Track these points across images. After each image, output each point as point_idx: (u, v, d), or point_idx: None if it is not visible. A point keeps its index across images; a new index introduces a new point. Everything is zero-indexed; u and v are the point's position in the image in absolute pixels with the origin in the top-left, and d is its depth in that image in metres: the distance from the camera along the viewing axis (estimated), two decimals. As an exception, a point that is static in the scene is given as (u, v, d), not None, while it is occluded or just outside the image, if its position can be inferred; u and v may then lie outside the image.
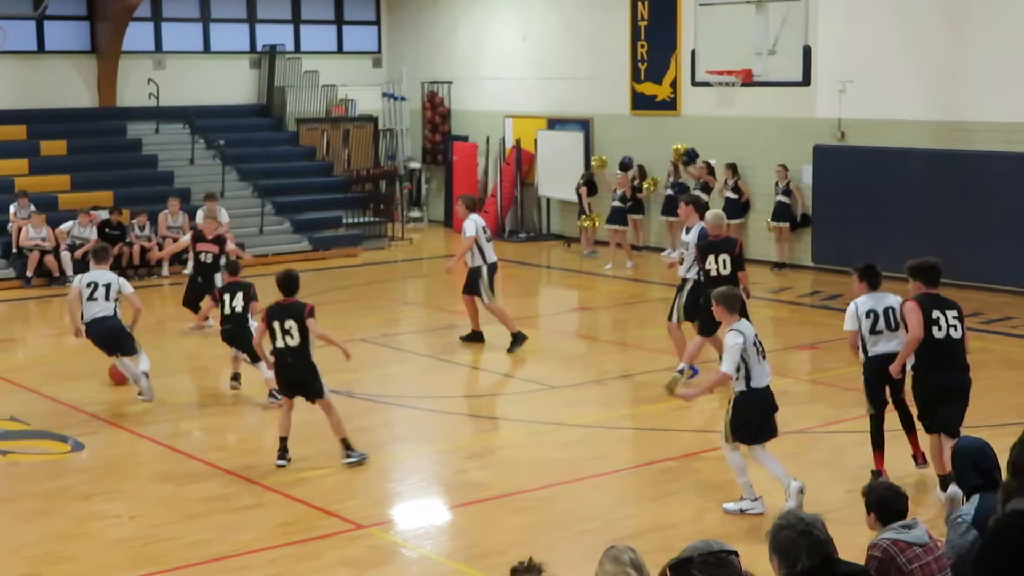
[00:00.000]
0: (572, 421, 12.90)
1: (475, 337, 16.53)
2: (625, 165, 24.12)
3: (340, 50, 31.14)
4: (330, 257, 24.81)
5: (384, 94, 30.54)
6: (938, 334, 10.07)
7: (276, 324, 11.25)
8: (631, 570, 5.56)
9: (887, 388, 10.74)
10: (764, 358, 10.01)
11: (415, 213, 29.60)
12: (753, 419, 9.98)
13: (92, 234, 22.76)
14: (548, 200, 27.07)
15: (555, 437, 12.45)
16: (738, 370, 9.88)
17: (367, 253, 25.26)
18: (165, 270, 23.30)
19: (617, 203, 23.48)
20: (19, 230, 22.67)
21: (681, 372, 13.83)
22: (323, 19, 31.03)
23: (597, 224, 24.14)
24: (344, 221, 26.48)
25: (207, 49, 29.29)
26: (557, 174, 26.15)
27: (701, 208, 14.48)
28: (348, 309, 19.55)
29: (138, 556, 9.32)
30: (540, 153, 26.84)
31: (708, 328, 13.52)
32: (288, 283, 11.50)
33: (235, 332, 13.89)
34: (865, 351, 10.72)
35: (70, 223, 22.82)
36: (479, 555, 9.37)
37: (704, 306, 12.90)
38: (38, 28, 27.43)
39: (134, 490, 10.95)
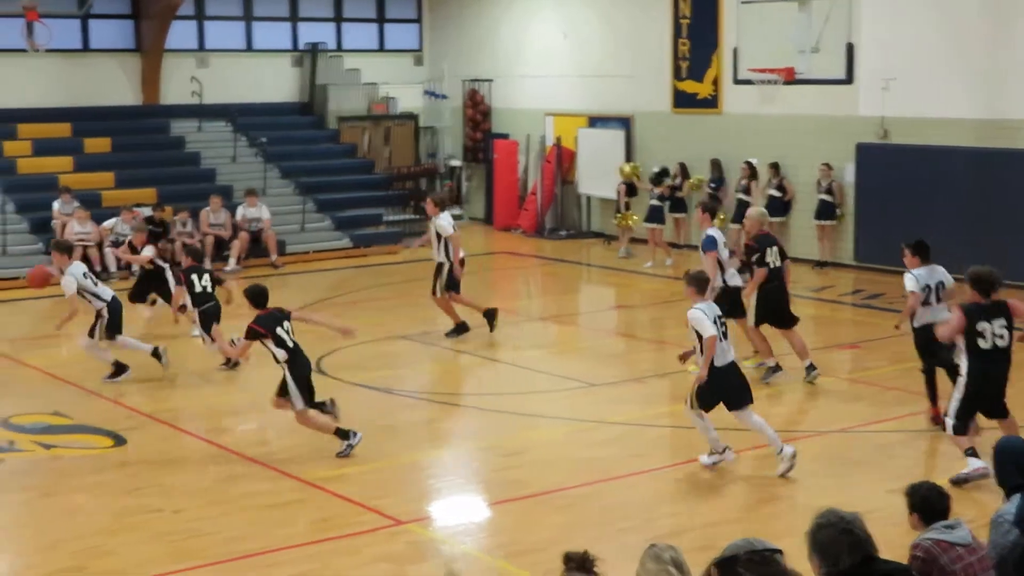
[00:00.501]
0: (611, 419, 12.88)
1: (489, 315, 16.87)
2: (658, 177, 23.89)
3: (381, 48, 31.21)
4: (371, 254, 24.87)
5: (425, 92, 30.59)
6: (984, 345, 10.39)
7: (280, 330, 11.49)
8: (672, 568, 5.54)
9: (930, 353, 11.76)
10: (725, 338, 10.85)
11: (455, 211, 29.59)
12: (713, 392, 10.82)
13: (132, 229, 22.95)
14: (588, 198, 27.03)
15: (594, 435, 12.43)
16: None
17: (407, 250, 25.29)
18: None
19: (655, 202, 23.40)
20: (63, 226, 22.86)
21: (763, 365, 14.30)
22: (365, 17, 31.11)
23: (631, 223, 23.98)
24: (385, 219, 26.54)
25: (250, 47, 29.44)
26: (598, 172, 26.09)
27: (713, 211, 15.21)
28: (388, 306, 19.60)
29: (179, 550, 9.38)
30: (581, 151, 26.81)
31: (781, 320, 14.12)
32: (263, 297, 11.73)
33: (218, 307, 14.92)
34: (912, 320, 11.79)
35: (114, 219, 22.99)
36: (518, 552, 9.37)
37: (774, 300, 13.93)
38: (83, 26, 27.65)
39: (176, 485, 11.01)
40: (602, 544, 9.23)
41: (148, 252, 16.97)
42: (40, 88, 26.56)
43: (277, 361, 11.53)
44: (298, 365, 11.52)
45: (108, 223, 22.98)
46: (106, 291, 14.62)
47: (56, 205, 23.31)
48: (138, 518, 10.17)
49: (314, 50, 29.44)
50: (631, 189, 24.55)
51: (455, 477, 11.50)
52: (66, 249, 15.19)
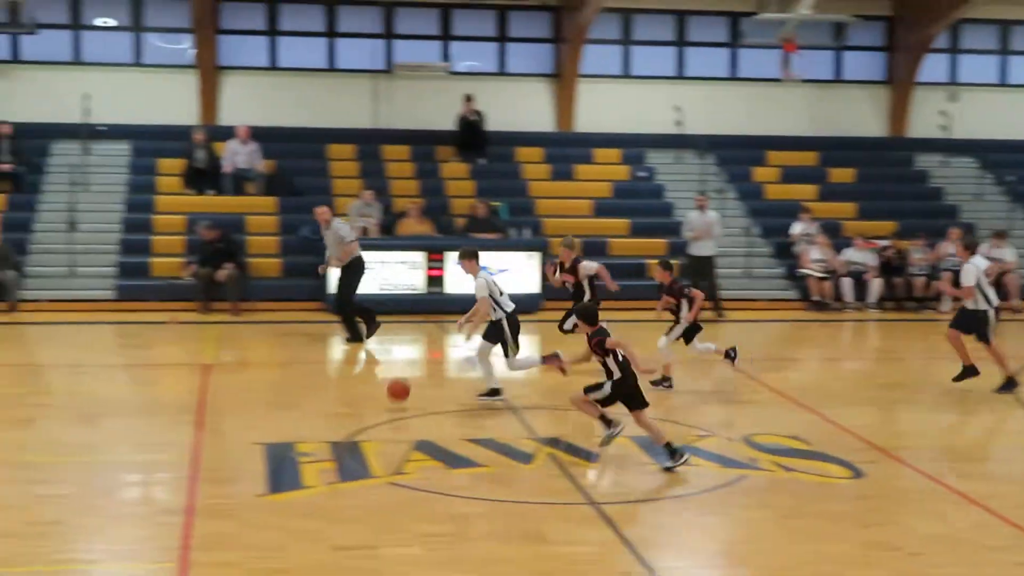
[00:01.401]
0: None
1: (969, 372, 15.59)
2: None
3: None
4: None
5: None
6: None
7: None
8: None
9: None
10: None
11: None
12: None
13: (868, 259, 23.02)
14: None
15: None
16: None
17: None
18: (944, 305, 22.90)
19: None
20: (802, 253, 23.36)
21: None
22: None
23: None
24: None
25: (1004, 82, 28.46)
26: None
27: None
28: None
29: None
30: None
31: None
32: (595, 316, 11.94)
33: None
34: None
35: (850, 250, 23.18)
36: None
37: None
38: (836, 58, 28.12)
39: (913, 526, 10.74)
40: None
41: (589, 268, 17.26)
42: (790, 117, 27.35)
43: (610, 377, 11.68)
44: (629, 375, 11.69)
45: (845, 254, 23.17)
46: (508, 303, 14.61)
47: (796, 227, 23.85)
48: (875, 554, 9.99)
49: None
50: None
51: None
52: (475, 255, 15.13)
